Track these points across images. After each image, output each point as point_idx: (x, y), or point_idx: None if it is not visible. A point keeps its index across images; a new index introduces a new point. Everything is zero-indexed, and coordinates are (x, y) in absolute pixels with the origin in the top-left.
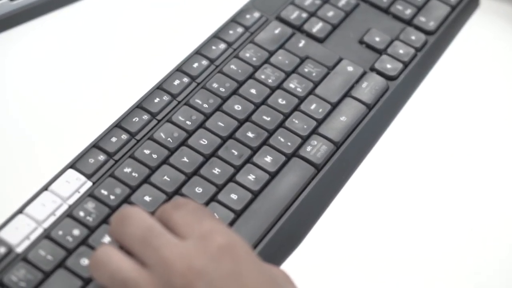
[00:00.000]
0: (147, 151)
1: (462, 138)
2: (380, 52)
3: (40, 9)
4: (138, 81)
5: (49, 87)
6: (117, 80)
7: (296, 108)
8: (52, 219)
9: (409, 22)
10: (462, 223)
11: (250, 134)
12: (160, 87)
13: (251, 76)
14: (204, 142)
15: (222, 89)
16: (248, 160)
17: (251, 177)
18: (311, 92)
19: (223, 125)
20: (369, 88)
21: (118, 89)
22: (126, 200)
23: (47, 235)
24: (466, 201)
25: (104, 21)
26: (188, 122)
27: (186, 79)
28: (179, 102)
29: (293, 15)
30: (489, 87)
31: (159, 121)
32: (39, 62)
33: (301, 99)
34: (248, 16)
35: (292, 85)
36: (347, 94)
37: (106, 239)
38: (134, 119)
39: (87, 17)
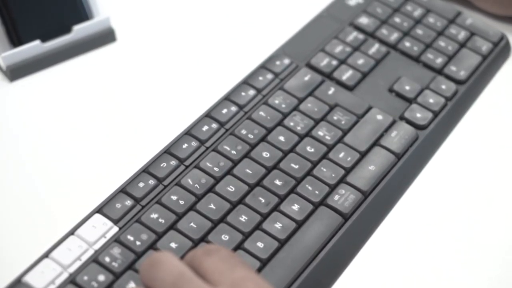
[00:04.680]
0: (174, 197)
1: (493, 187)
2: (410, 101)
3: (71, 51)
4: (166, 126)
5: (78, 129)
6: (145, 125)
7: (324, 156)
8: (77, 264)
9: (439, 71)
10: (495, 270)
11: (277, 182)
12: (188, 133)
13: (280, 123)
14: (232, 189)
15: (250, 136)
16: (275, 208)
17: (278, 225)
18: (339, 140)
19: (250, 172)
20: (398, 137)
21: (146, 134)
22: (152, 246)
23: (72, 280)
24: (498, 251)
25: (134, 65)
26: (215, 169)
27: (214, 125)
28: (207, 148)
29: (323, 62)
30: None
31: (187, 167)
32: (71, 102)
33: (330, 147)
34: (278, 62)
35: (321, 133)
36: (376, 143)
37: (131, 285)
38: (162, 165)
39: (117, 60)
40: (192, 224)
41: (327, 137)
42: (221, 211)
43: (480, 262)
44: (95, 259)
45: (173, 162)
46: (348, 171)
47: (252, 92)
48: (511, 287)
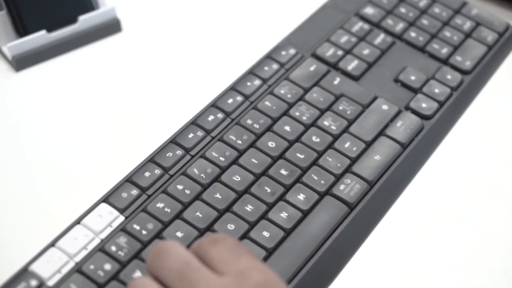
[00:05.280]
0: (180, 187)
1: (498, 178)
2: (415, 91)
3: (77, 42)
4: (172, 116)
5: (84, 119)
6: (151, 115)
7: (330, 146)
8: (84, 253)
9: (445, 61)
10: (499, 261)
11: (283, 172)
12: (194, 123)
13: (285, 113)
14: (237, 178)
15: (256, 126)
16: (281, 198)
17: (284, 214)
18: (345, 130)
19: (256, 161)
20: (403, 127)
21: (151, 124)
22: (158, 235)
23: (78, 269)
24: (502, 242)
25: (140, 54)
26: (221, 158)
27: (220, 115)
28: (213, 138)
29: (329, 52)
30: None
31: (192, 156)
32: (76, 92)
33: (335, 137)
34: (283, 52)
35: (326, 123)
36: (381, 133)
37: (137, 274)
38: (167, 154)
39: (123, 50)
40: (198, 213)
41: (333, 127)
42: (227, 200)
43: (484, 252)
44: (101, 248)
45: (179, 152)
46: (353, 161)
47: (257, 82)
48: None
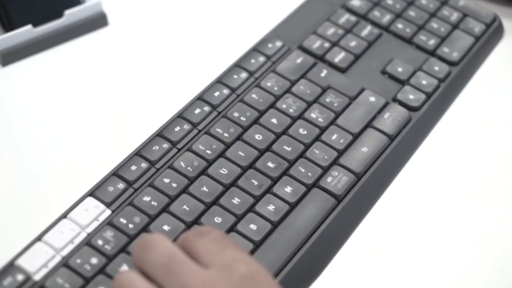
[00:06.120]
0: (166, 180)
1: (485, 169)
2: (402, 82)
3: (63, 36)
4: (158, 109)
5: (70, 113)
6: (137, 109)
7: (317, 139)
8: (70, 247)
9: (432, 53)
10: (487, 253)
11: (270, 164)
12: (180, 116)
13: (272, 106)
14: (224, 171)
15: (243, 118)
16: (268, 190)
17: (271, 207)
18: (332, 122)
19: (243, 154)
20: (391, 119)
21: (138, 117)
22: (145, 229)
23: (65, 263)
24: (489, 233)
25: (126, 48)
26: (208, 151)
27: (207, 108)
28: (199, 131)
29: (315, 44)
30: None
31: (179, 150)
32: (63, 87)
33: (322, 130)
34: (270, 45)
35: (313, 115)
36: (369, 125)
37: (124, 267)
38: (154, 148)
39: (109, 44)
40: (184, 206)
41: (320, 119)
42: (213, 193)
43: (473, 242)
44: (87, 242)
45: (166, 145)
46: (341, 153)
47: (244, 74)
48: None
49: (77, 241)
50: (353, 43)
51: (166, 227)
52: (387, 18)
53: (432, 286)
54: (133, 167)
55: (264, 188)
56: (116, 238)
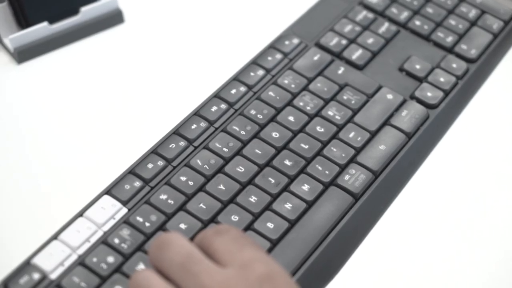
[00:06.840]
0: (183, 178)
1: (504, 168)
2: (420, 80)
3: (79, 33)
4: (175, 107)
5: (86, 111)
6: (153, 107)
7: (334, 136)
8: (86, 246)
9: (450, 50)
10: (505, 253)
11: (287, 162)
12: (197, 113)
13: (289, 103)
14: (241, 169)
15: (260, 116)
16: (285, 189)
17: (288, 205)
18: (349, 120)
19: (260, 152)
20: (409, 116)
21: (154, 115)
22: (162, 227)
23: (81, 262)
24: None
25: (142, 45)
26: (225, 149)
27: (223, 106)
28: (216, 129)
29: (333, 41)
30: None
31: (196, 147)
32: (78, 84)
33: (340, 127)
34: (287, 42)
35: (330, 113)
36: (386, 123)
37: (141, 266)
38: (170, 145)
39: (125, 41)
40: (201, 205)
41: (337, 117)
42: (230, 191)
43: (491, 239)
44: (104, 241)
45: (182, 143)
46: (358, 151)
47: (261, 72)
48: None
49: (94, 239)
50: (370, 40)
51: (182, 226)
52: (404, 15)
53: (453, 285)
54: (150, 165)
55: (281, 186)
56: (132, 237)
